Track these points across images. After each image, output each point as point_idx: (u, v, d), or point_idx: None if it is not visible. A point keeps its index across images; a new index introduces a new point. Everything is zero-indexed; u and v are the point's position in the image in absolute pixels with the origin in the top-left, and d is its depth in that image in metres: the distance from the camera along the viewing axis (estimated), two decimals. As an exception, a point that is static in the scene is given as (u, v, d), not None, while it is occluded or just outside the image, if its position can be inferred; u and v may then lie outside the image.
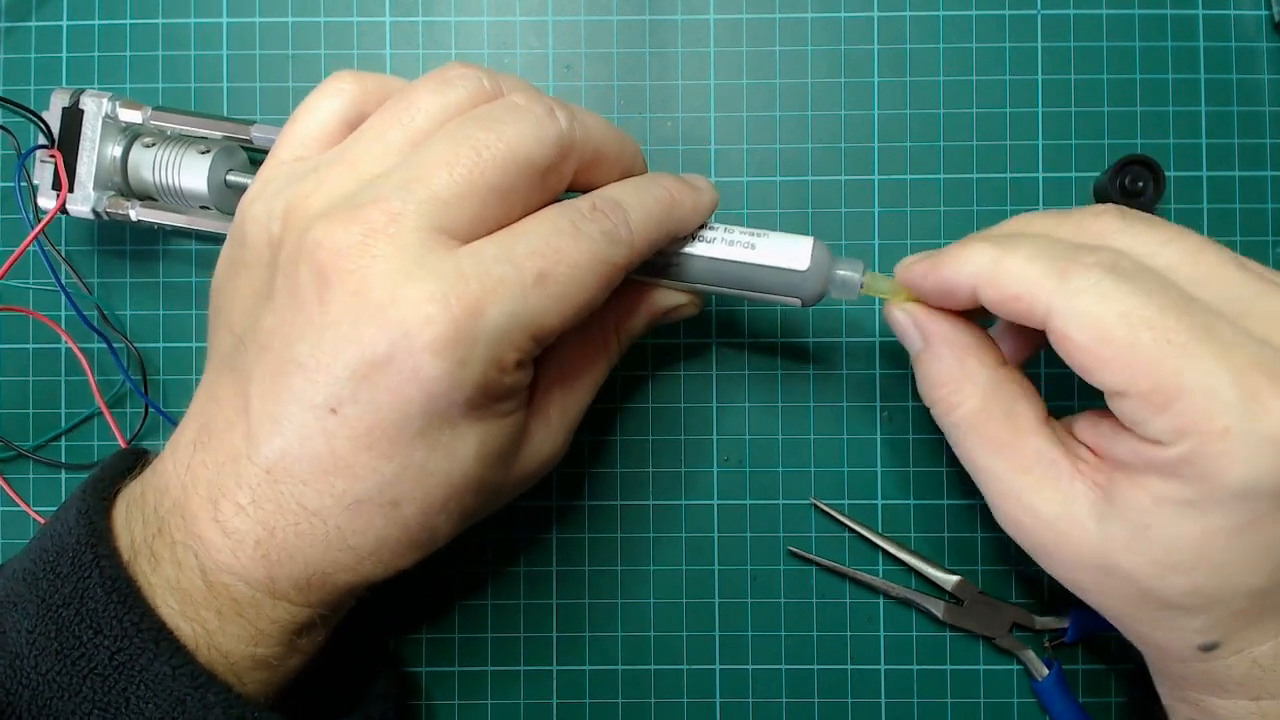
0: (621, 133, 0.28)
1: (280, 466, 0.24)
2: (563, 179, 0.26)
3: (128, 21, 0.35)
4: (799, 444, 0.35)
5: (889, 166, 0.35)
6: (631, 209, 0.26)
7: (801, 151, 0.35)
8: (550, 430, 0.28)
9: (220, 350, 0.26)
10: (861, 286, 0.28)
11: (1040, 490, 0.26)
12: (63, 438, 0.35)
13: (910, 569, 0.34)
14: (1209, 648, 0.25)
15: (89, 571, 0.24)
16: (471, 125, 0.25)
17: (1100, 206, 0.26)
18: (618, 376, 0.35)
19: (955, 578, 0.34)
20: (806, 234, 0.29)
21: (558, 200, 0.26)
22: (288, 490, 0.24)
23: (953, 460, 0.34)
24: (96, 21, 0.35)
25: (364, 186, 0.24)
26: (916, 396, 0.34)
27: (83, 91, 0.32)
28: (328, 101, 0.27)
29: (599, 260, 0.25)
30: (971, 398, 0.27)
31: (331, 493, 0.24)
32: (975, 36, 0.35)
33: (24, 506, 0.34)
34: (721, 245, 0.28)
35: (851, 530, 0.34)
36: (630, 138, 0.29)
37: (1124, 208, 0.26)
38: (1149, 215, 0.26)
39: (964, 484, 0.34)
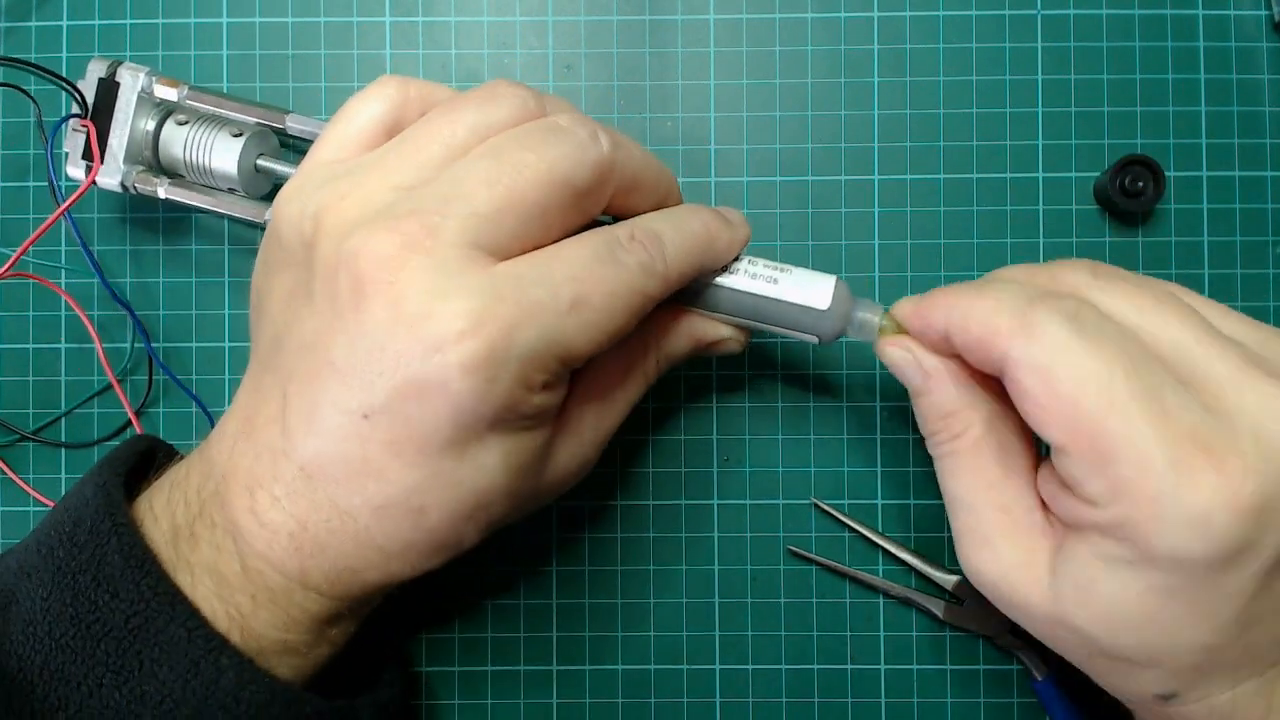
0: (659, 162, 0.28)
1: (315, 465, 0.24)
2: (599, 203, 0.26)
3: (128, 22, 0.35)
4: (799, 444, 0.35)
5: (889, 166, 0.35)
6: (669, 242, 0.26)
7: (801, 151, 0.35)
8: (581, 444, 0.28)
9: (261, 346, 0.27)
10: (881, 330, 0.28)
11: (1009, 535, 0.26)
12: (62, 419, 0.35)
13: (910, 568, 0.34)
14: (1167, 697, 0.25)
15: (107, 539, 0.25)
16: (513, 143, 0.25)
17: (1074, 260, 0.26)
18: (618, 376, 0.35)
19: (955, 577, 0.34)
20: (829, 272, 0.29)
21: (594, 224, 0.26)
22: (321, 488, 0.25)
23: (953, 460, 0.34)
24: (96, 22, 0.35)
25: (401, 197, 0.24)
26: (916, 396, 0.34)
27: (120, 63, 0.32)
28: (370, 105, 0.27)
29: (633, 291, 0.25)
30: (974, 425, 0.27)
31: (362, 494, 0.24)
32: (975, 36, 0.35)
33: (52, 492, 0.34)
34: (745, 278, 0.28)
35: (852, 530, 0.34)
36: (666, 167, 0.29)
37: (1097, 262, 0.26)
38: (1121, 270, 0.26)
39: (964, 484, 0.34)
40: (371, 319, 0.23)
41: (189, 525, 0.26)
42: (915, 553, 0.34)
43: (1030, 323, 0.24)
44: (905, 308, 0.28)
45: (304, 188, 0.26)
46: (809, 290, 0.28)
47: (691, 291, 0.29)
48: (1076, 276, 0.26)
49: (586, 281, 0.24)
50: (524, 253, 0.25)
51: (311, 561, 0.25)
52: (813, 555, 0.34)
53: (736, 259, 0.29)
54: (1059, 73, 0.35)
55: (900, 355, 0.28)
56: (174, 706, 0.24)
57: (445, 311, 0.23)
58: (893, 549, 0.34)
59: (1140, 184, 0.33)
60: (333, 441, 0.24)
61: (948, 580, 0.34)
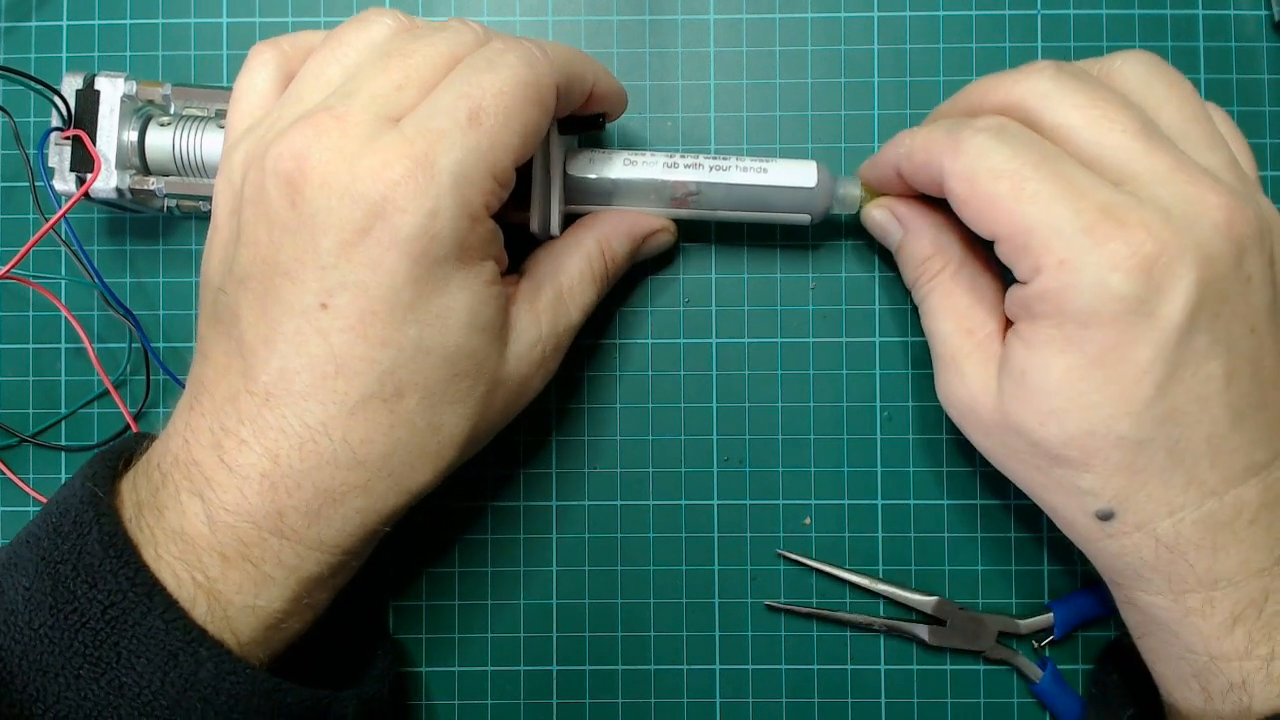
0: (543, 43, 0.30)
1: (279, 387, 0.25)
2: None
3: (128, 21, 0.35)
4: (799, 444, 0.35)
5: (889, 166, 0.35)
6: (544, 43, 0.28)
7: (801, 151, 0.35)
8: (538, 326, 0.29)
9: (203, 313, 0.27)
10: (861, 200, 0.32)
11: (970, 353, 0.29)
12: (63, 422, 0.35)
13: (888, 599, 0.34)
14: (1105, 516, 0.26)
15: (88, 529, 0.25)
16: (396, 40, 0.27)
17: (1040, 64, 0.28)
18: (617, 376, 0.35)
19: (933, 599, 0.34)
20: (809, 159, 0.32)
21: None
22: (288, 410, 0.25)
23: (952, 460, 0.34)
24: (96, 22, 0.35)
25: (310, 108, 0.26)
26: (917, 397, 0.34)
27: (96, 74, 0.32)
28: (258, 75, 0.29)
29: (522, 84, 0.26)
30: (949, 264, 0.30)
31: (334, 398, 0.25)
32: (975, 36, 0.35)
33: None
34: (737, 172, 0.31)
35: (822, 573, 0.34)
36: (554, 44, 0.30)
37: (1060, 66, 0.27)
38: (1084, 76, 0.27)
39: (963, 484, 0.34)
40: (308, 205, 0.24)
41: (152, 498, 0.26)
42: (892, 581, 0.34)
43: (957, 140, 0.27)
44: (865, 166, 0.31)
45: (230, 154, 0.27)
46: (796, 173, 0.31)
47: (691, 192, 0.31)
48: (1035, 81, 0.27)
49: (474, 94, 0.25)
50: None
51: (288, 500, 0.25)
52: (794, 606, 0.34)
53: (724, 158, 0.31)
54: (1059, 73, 0.35)
55: (880, 214, 0.31)
56: (152, 698, 0.24)
57: (368, 167, 0.24)
58: (868, 583, 0.34)
59: None
60: (294, 348, 0.25)
61: (926, 602, 0.34)
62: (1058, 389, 0.25)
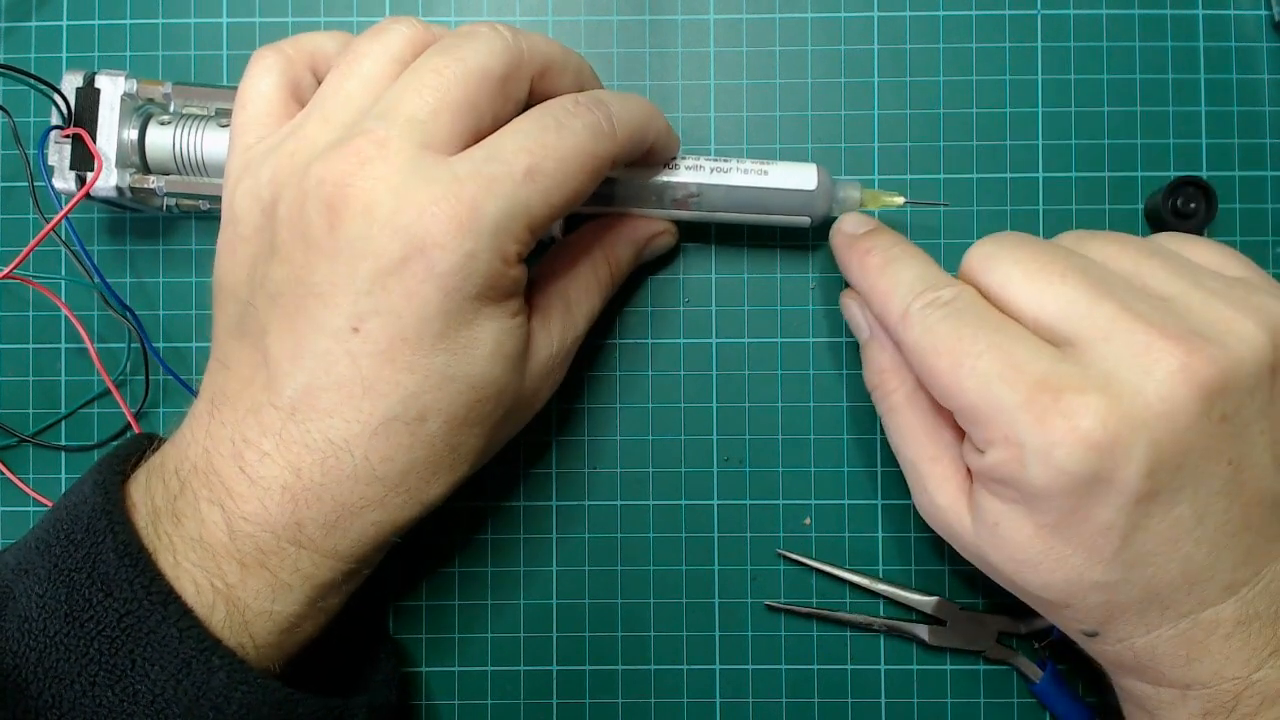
0: (566, 47, 0.29)
1: (304, 403, 0.25)
2: (521, 86, 0.27)
3: (127, 22, 0.35)
4: (799, 444, 0.35)
5: (889, 166, 0.35)
6: (613, 105, 0.28)
7: (801, 151, 0.35)
8: (550, 344, 0.29)
9: (225, 323, 0.27)
10: (861, 203, 0.32)
11: (940, 482, 0.28)
12: (63, 422, 0.35)
13: (888, 599, 0.34)
14: (1090, 634, 0.27)
15: (103, 537, 0.25)
16: (427, 55, 0.26)
17: (994, 235, 0.28)
18: (617, 376, 0.35)
19: (933, 599, 0.34)
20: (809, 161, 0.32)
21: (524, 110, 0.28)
22: (313, 426, 0.25)
23: (952, 460, 0.34)
24: (96, 22, 0.35)
25: (343, 130, 0.26)
26: (916, 397, 0.34)
27: (96, 72, 0.32)
28: (263, 80, 0.28)
29: (584, 153, 0.26)
30: (905, 384, 0.29)
31: (358, 418, 0.25)
32: (975, 36, 0.35)
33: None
34: (737, 174, 0.31)
35: (822, 573, 0.34)
36: (575, 51, 0.30)
37: (1010, 235, 0.28)
38: (1028, 240, 0.27)
39: (964, 484, 0.34)
40: (347, 231, 0.24)
41: (169, 505, 0.26)
42: (892, 582, 0.34)
43: (908, 312, 0.27)
44: (841, 256, 0.31)
45: (250, 166, 0.27)
46: (796, 176, 0.31)
47: (691, 194, 0.31)
48: (979, 246, 0.28)
49: (536, 151, 0.26)
50: (465, 145, 0.26)
51: (307, 511, 0.25)
52: (794, 606, 0.34)
53: (725, 160, 0.31)
54: (1059, 73, 0.35)
55: (852, 308, 0.31)
56: (165, 706, 0.24)
57: (416, 200, 0.24)
58: (867, 582, 0.34)
59: (1192, 205, 0.33)
60: (323, 368, 0.25)
61: (926, 603, 0.34)
62: (1030, 544, 0.26)
